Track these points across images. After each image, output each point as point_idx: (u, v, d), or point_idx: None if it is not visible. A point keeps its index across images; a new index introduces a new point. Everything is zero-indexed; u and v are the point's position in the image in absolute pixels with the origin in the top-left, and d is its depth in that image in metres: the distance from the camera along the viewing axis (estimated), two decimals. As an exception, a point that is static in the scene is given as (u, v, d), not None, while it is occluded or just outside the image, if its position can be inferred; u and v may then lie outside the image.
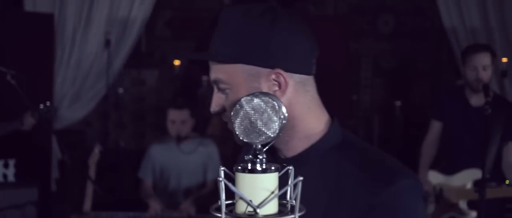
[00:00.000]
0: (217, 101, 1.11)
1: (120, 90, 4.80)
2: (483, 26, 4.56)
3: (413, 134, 3.65)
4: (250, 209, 0.82)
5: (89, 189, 3.56)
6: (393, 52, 4.98)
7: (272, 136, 0.85)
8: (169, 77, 5.48)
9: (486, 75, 3.21)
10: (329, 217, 1.02)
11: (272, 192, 0.83)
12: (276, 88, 1.06)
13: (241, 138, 0.86)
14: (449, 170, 3.33)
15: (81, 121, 4.90)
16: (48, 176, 4.24)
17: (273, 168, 0.84)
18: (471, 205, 3.23)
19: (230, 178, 0.86)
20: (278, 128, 0.85)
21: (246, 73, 1.07)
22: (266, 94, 0.88)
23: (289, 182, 0.86)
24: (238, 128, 0.85)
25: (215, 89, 1.11)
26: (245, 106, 0.85)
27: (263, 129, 0.85)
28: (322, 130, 1.11)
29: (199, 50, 1.24)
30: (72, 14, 4.73)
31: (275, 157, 1.13)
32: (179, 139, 3.52)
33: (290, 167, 0.89)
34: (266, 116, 0.84)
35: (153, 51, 5.60)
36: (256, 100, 0.85)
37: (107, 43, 4.58)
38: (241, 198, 0.82)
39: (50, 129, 4.37)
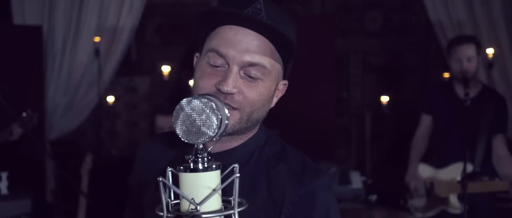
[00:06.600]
0: (236, 82, 1.06)
1: (111, 98, 4.80)
2: (469, 19, 4.56)
3: (404, 129, 3.65)
4: (192, 206, 0.84)
5: (82, 200, 3.56)
6: (381, 48, 5.01)
7: (212, 135, 0.86)
8: (160, 84, 5.50)
9: (471, 66, 3.19)
10: (263, 208, 1.09)
11: (214, 190, 0.85)
12: (278, 95, 1.17)
13: (182, 139, 0.87)
14: (439, 163, 3.32)
15: (75, 130, 4.91)
16: (42, 187, 4.25)
17: (214, 166, 0.86)
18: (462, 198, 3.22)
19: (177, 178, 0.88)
20: (217, 128, 0.86)
21: (277, 74, 1.13)
22: (205, 95, 0.89)
23: (235, 182, 0.88)
24: (179, 129, 0.87)
25: (236, 68, 1.06)
26: (185, 108, 0.87)
27: (203, 129, 0.86)
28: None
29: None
30: (61, 24, 4.75)
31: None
32: None
33: (236, 165, 0.91)
34: (205, 116, 0.86)
35: (144, 58, 5.60)
36: (195, 101, 0.87)
37: (97, 52, 4.59)
38: (182, 196, 0.84)
39: (42, 139, 4.38)
